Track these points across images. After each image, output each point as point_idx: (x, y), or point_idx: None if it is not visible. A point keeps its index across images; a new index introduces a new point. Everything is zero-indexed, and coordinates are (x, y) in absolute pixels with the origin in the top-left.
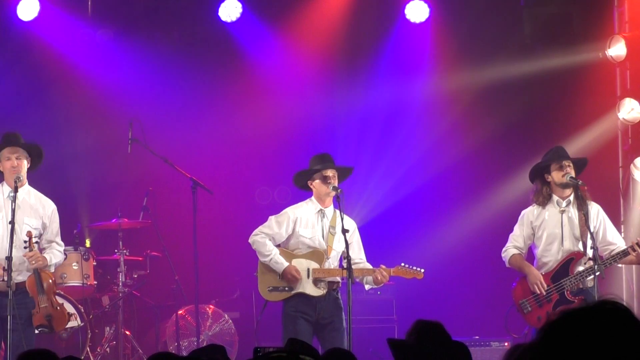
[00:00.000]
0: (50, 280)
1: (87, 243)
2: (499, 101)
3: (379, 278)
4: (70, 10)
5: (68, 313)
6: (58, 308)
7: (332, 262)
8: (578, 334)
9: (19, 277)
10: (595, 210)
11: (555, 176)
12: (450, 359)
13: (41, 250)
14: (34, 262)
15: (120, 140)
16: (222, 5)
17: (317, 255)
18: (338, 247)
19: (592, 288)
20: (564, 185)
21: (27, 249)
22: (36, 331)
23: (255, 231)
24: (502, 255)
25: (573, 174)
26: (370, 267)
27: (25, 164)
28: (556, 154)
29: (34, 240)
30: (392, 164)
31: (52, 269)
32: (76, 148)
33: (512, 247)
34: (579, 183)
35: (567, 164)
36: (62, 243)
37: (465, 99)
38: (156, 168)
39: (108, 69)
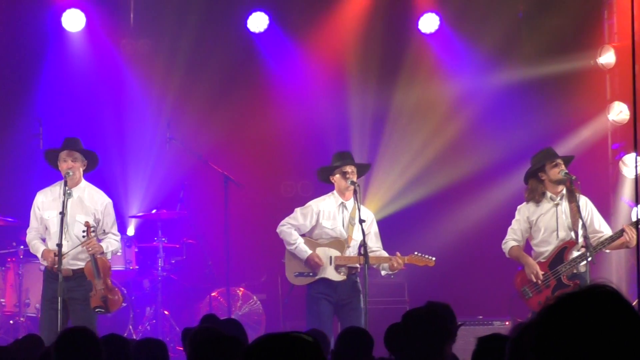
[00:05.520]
0: (107, 266)
1: (130, 231)
2: (501, 104)
3: (394, 265)
4: (114, 21)
5: (122, 295)
6: (113, 290)
7: (352, 250)
8: (571, 315)
9: (78, 263)
10: (584, 202)
11: (552, 173)
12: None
13: (98, 240)
14: (90, 248)
15: (159, 140)
16: (251, 17)
17: (339, 244)
18: (357, 236)
19: (584, 273)
20: (559, 182)
21: (85, 238)
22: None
23: (283, 222)
24: (502, 247)
25: (566, 170)
26: (387, 255)
27: (80, 167)
28: (548, 154)
29: (91, 229)
30: (406, 161)
31: (109, 256)
32: (121, 148)
33: (511, 240)
34: (573, 178)
35: (559, 161)
36: (118, 233)
37: (470, 103)
38: (191, 164)
39: (146, 75)
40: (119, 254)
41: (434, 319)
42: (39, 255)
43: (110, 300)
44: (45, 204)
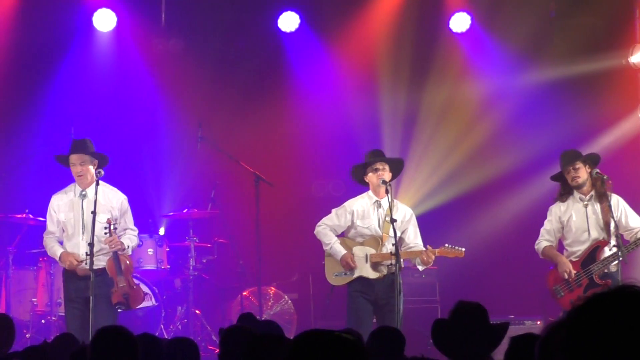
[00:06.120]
0: (128, 262)
1: (161, 231)
2: (532, 104)
3: (425, 258)
4: (145, 21)
5: (143, 292)
6: (134, 287)
7: (388, 247)
8: (601, 316)
9: (102, 262)
10: (616, 200)
11: (568, 179)
12: (487, 338)
13: (118, 236)
14: (113, 246)
15: (190, 139)
16: (282, 16)
17: (374, 241)
18: (393, 234)
19: (616, 272)
20: (576, 187)
21: (107, 235)
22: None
23: (319, 223)
24: (535, 247)
25: (584, 178)
26: (420, 249)
27: (91, 169)
28: (563, 159)
29: (112, 227)
30: (437, 160)
31: (130, 252)
32: (152, 148)
33: (544, 240)
34: (605, 177)
35: (571, 168)
36: (135, 228)
37: (501, 102)
38: (222, 164)
39: (177, 75)
40: (150, 252)
41: (486, 318)
42: (57, 259)
43: (132, 296)
44: (61, 206)
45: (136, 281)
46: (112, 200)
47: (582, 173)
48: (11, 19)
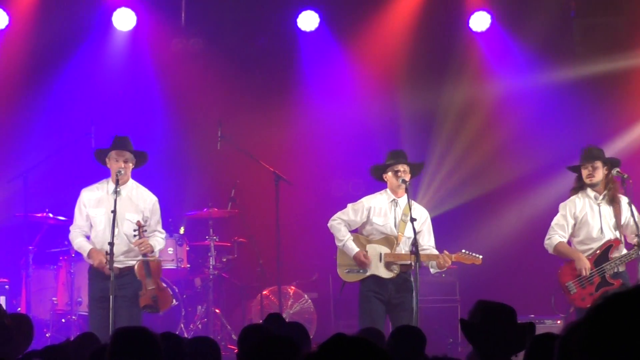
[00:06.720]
0: (157, 265)
1: (182, 230)
2: (552, 104)
3: (442, 262)
4: (165, 21)
5: (172, 294)
6: (163, 289)
7: (403, 247)
8: (621, 315)
9: (129, 262)
10: (626, 202)
11: (584, 177)
12: (514, 338)
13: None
14: (142, 248)
15: (210, 139)
16: (301, 15)
17: (389, 241)
18: (409, 234)
19: (624, 272)
20: (590, 186)
21: (137, 237)
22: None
23: (334, 216)
24: (546, 242)
25: (599, 179)
26: (436, 253)
27: (130, 166)
28: (582, 156)
29: (142, 229)
30: (456, 160)
31: (157, 255)
32: (172, 147)
33: (557, 235)
34: (625, 177)
35: (590, 167)
36: (163, 231)
37: (521, 102)
38: (242, 163)
39: (197, 74)
40: (170, 252)
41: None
42: (85, 255)
43: (161, 299)
44: (92, 201)
45: (167, 283)
46: (145, 201)
47: (599, 174)
48: (31, 17)
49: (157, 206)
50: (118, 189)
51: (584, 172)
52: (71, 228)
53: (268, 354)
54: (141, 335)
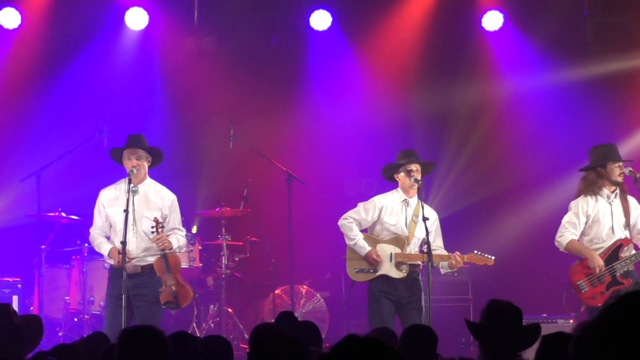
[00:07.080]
0: (177, 261)
1: (194, 229)
2: (565, 103)
3: (453, 263)
4: (177, 20)
5: (193, 290)
6: (184, 285)
7: (413, 247)
8: (633, 314)
9: (149, 259)
10: (634, 202)
11: (612, 174)
12: (518, 336)
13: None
14: (160, 244)
15: (223, 138)
16: (314, 14)
17: (400, 241)
18: (419, 234)
19: (633, 271)
20: (616, 183)
21: (155, 233)
22: (164, 307)
23: (345, 215)
24: (557, 240)
25: (631, 168)
26: (447, 253)
27: (145, 164)
28: (612, 153)
29: (160, 225)
30: (467, 159)
31: (177, 252)
32: (184, 146)
33: (568, 233)
34: (637, 176)
35: (622, 164)
36: (183, 229)
37: (534, 101)
38: (254, 162)
39: (210, 73)
40: (183, 250)
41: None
42: (105, 254)
43: (182, 294)
44: (110, 201)
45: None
46: (163, 198)
47: (629, 169)
48: (43, 16)
49: (176, 204)
50: (135, 188)
51: (617, 170)
52: (91, 230)
53: (272, 353)
54: (148, 334)
